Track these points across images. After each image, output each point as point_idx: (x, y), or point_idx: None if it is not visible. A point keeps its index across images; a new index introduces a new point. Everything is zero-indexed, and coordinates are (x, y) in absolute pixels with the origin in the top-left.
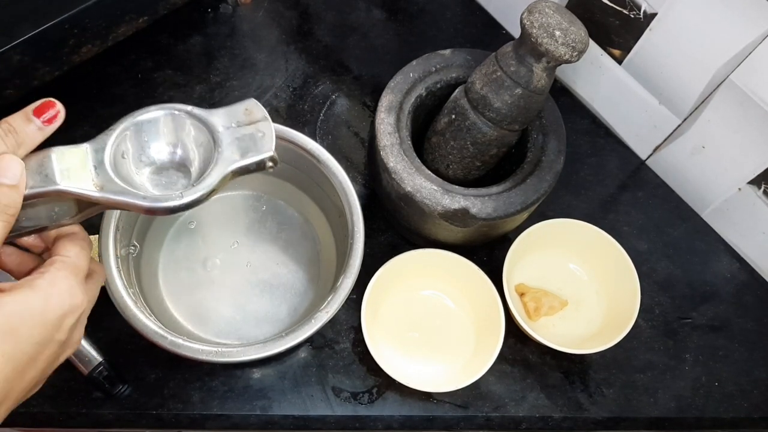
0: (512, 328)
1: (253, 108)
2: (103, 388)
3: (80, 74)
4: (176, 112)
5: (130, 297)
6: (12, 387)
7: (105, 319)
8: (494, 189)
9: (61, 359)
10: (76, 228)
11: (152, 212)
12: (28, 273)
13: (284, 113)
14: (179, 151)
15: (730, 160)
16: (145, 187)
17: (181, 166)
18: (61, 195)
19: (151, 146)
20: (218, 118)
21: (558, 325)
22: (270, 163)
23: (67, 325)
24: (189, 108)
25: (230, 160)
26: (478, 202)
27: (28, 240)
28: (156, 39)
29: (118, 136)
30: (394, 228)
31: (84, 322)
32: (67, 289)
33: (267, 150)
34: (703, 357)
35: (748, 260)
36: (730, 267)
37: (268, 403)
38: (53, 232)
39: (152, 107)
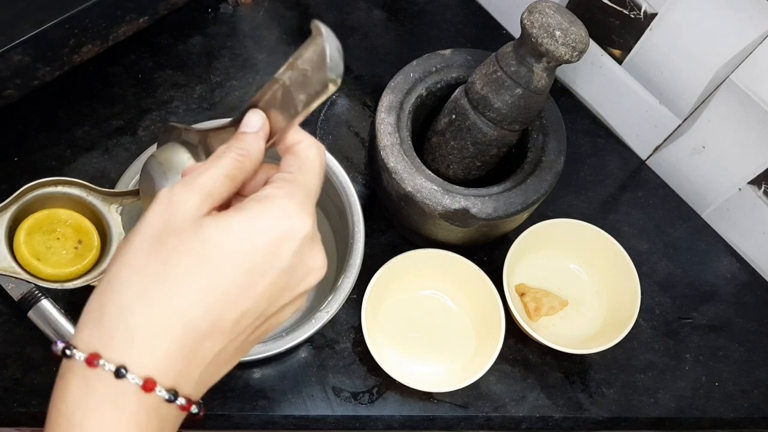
0: (512, 328)
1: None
2: None
3: (80, 74)
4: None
5: None
6: (221, 317)
7: None
8: (494, 189)
9: (303, 286)
10: (300, 136)
11: None
12: None
13: None
14: None
15: (730, 160)
16: None
17: None
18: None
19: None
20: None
21: (558, 325)
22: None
23: (286, 250)
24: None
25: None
26: (478, 202)
27: None
28: (156, 39)
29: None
30: (394, 228)
31: (317, 246)
32: (279, 210)
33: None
34: (703, 357)
35: (748, 260)
36: (730, 267)
37: (268, 403)
38: (282, 145)
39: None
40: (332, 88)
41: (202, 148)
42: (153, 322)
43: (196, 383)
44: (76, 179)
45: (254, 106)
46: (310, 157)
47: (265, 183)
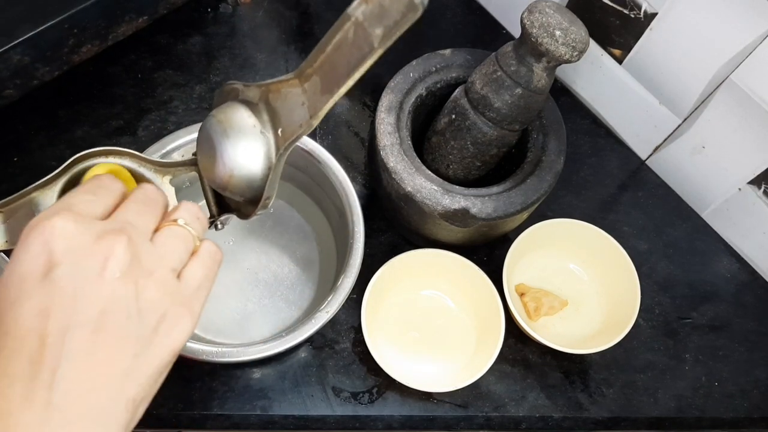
0: (512, 328)
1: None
2: None
3: (80, 74)
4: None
5: None
6: None
7: None
8: (494, 189)
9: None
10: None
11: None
12: None
13: None
14: None
15: (730, 160)
16: None
17: None
18: None
19: None
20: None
21: (558, 325)
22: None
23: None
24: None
25: None
26: (478, 202)
27: None
28: (156, 39)
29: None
30: (394, 228)
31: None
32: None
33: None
34: (703, 357)
35: (748, 260)
36: (730, 267)
37: (268, 403)
38: None
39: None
40: (420, 11)
41: (264, 105)
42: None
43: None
44: (127, 149)
45: (322, 51)
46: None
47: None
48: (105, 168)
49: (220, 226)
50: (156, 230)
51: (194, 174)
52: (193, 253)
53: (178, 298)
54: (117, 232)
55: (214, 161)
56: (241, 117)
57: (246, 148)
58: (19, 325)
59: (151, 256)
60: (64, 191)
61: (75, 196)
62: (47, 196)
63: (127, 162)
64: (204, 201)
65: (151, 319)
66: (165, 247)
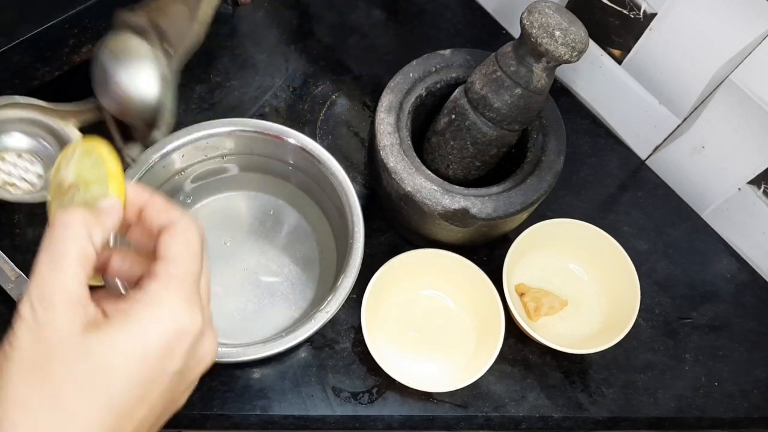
0: (512, 328)
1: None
2: None
3: (80, 74)
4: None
5: None
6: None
7: None
8: (494, 189)
9: (192, 378)
10: (175, 214)
11: None
12: (138, 281)
13: (284, 113)
14: None
15: (729, 160)
16: None
17: None
18: None
19: None
20: None
21: (558, 325)
22: None
23: (178, 353)
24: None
25: None
26: (478, 202)
27: (134, 235)
28: None
29: None
30: (394, 228)
31: (207, 334)
32: (167, 313)
33: None
34: (703, 357)
35: (748, 260)
36: (730, 267)
37: (268, 403)
38: (156, 222)
39: None
40: None
41: (151, 27)
42: None
43: None
44: (30, 99)
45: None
46: (190, 240)
47: (141, 277)
48: (89, 146)
49: (129, 159)
50: None
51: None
52: None
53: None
54: (210, 334)
55: (109, 88)
56: (130, 42)
57: (137, 69)
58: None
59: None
60: None
61: (202, 308)
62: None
63: (34, 114)
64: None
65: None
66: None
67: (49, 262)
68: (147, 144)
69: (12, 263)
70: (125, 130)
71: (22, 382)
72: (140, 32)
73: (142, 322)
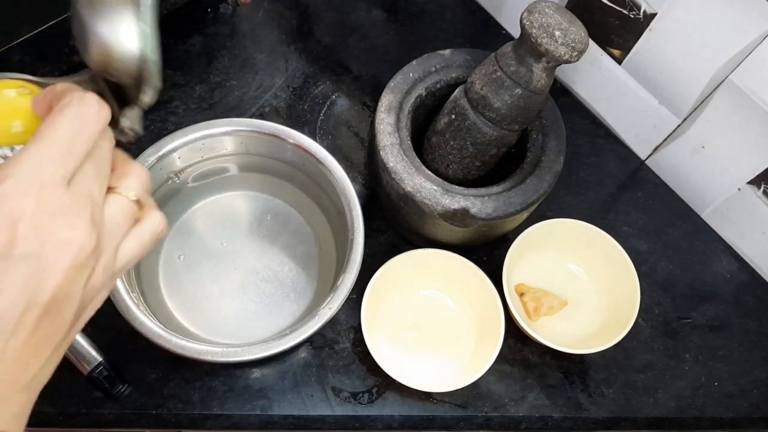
0: (512, 328)
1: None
2: (103, 388)
3: None
4: None
5: (132, 301)
6: None
7: (105, 319)
8: (494, 189)
9: (62, 262)
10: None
11: None
12: None
13: (284, 113)
14: None
15: (730, 160)
16: None
17: None
18: None
19: None
20: None
21: (558, 325)
22: None
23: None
24: None
25: None
26: (478, 202)
27: None
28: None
29: None
30: (394, 228)
31: (60, 214)
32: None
33: None
34: (702, 357)
35: (748, 260)
36: (730, 267)
37: (268, 403)
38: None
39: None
40: None
41: None
42: None
43: None
44: (21, 75)
45: None
46: (80, 113)
47: None
48: (12, 85)
49: (127, 130)
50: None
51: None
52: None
53: (111, 277)
54: (82, 213)
55: (90, 41)
56: None
57: (115, 17)
58: None
59: (103, 234)
60: None
61: (46, 155)
62: None
63: (20, 90)
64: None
65: (87, 301)
66: (114, 224)
67: None
68: (142, 107)
69: None
70: (122, 99)
71: None
72: None
73: None
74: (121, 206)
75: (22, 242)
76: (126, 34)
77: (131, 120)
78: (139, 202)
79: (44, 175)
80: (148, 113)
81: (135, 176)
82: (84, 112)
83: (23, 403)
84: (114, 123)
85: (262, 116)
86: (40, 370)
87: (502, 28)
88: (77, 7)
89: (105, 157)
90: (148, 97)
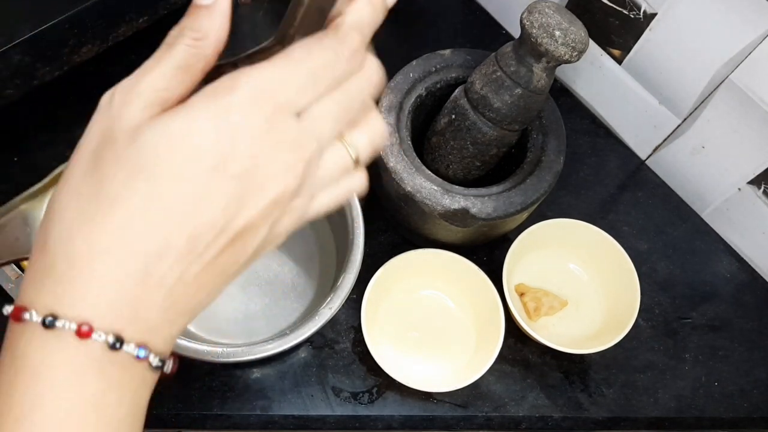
0: (512, 328)
1: None
2: None
3: (80, 74)
4: None
5: None
6: (170, 232)
7: None
8: (494, 189)
9: (265, 196)
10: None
11: None
12: None
13: None
14: None
15: (730, 160)
16: None
17: None
18: None
19: None
20: None
21: (558, 325)
22: None
23: (233, 153)
24: None
25: None
26: (478, 202)
27: None
28: (156, 39)
29: None
30: (394, 228)
31: (277, 146)
32: (224, 104)
33: None
34: (703, 357)
35: (748, 260)
36: (730, 267)
37: (268, 403)
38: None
39: None
40: None
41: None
42: (93, 247)
43: (161, 308)
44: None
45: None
46: (328, 39)
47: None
48: None
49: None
50: None
51: None
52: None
53: (296, 222)
54: (302, 152)
55: None
56: None
57: None
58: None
59: (308, 181)
60: None
61: (290, 77)
62: (37, 208)
63: None
64: None
65: (266, 242)
66: (325, 173)
67: (159, 51)
68: None
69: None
70: None
71: (78, 169)
72: None
73: (195, 110)
74: (340, 159)
75: (239, 162)
76: None
77: None
78: (357, 160)
79: (281, 98)
80: None
81: (368, 132)
82: (342, 52)
83: (183, 327)
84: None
85: None
86: (206, 297)
87: (502, 28)
88: None
89: (348, 102)
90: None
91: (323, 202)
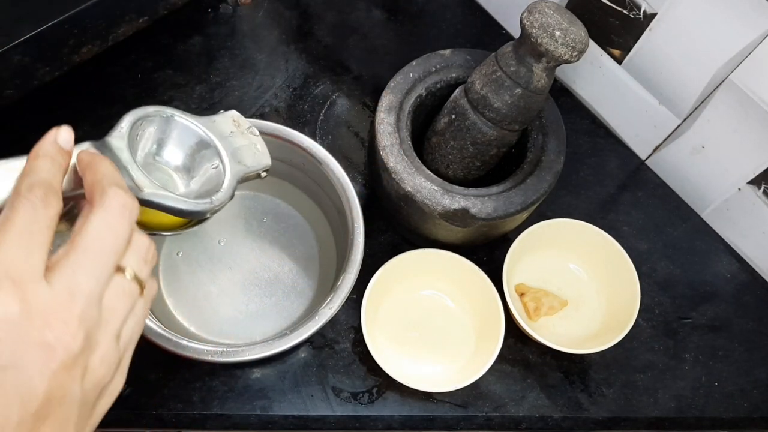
0: (512, 328)
1: (239, 119)
2: None
3: (80, 74)
4: (176, 117)
5: None
6: None
7: None
8: (494, 189)
9: (50, 367)
10: (110, 193)
11: (186, 215)
12: None
13: (284, 113)
14: (180, 153)
15: (730, 160)
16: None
17: (178, 168)
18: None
19: (165, 147)
20: (213, 124)
21: (558, 325)
22: (264, 173)
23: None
24: (184, 114)
25: (236, 168)
26: (478, 202)
27: None
28: (156, 39)
29: (131, 134)
30: (394, 228)
31: (45, 315)
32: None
33: (266, 162)
34: (703, 357)
35: (748, 260)
36: (730, 267)
37: (268, 403)
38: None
39: (149, 108)
40: None
41: None
42: None
43: None
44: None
45: None
46: (111, 225)
47: None
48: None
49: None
50: None
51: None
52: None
53: (116, 364)
54: (66, 311)
55: None
56: None
57: None
58: None
59: (98, 327)
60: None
61: (8, 249)
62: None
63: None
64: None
65: (93, 396)
66: (112, 311)
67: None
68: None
69: None
70: None
71: None
72: None
73: None
74: (119, 290)
75: (2, 351)
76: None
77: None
78: (138, 279)
79: (23, 273)
80: None
81: (133, 251)
82: (33, 200)
83: None
84: None
85: (262, 116)
86: None
87: (502, 28)
88: None
89: (99, 246)
90: None
91: (132, 330)
